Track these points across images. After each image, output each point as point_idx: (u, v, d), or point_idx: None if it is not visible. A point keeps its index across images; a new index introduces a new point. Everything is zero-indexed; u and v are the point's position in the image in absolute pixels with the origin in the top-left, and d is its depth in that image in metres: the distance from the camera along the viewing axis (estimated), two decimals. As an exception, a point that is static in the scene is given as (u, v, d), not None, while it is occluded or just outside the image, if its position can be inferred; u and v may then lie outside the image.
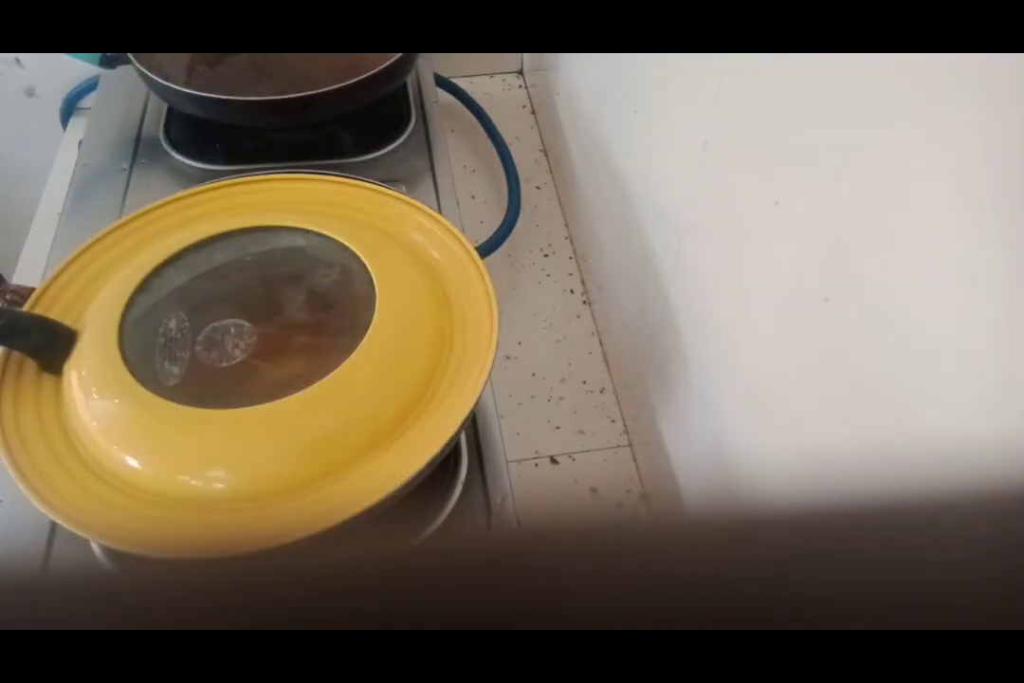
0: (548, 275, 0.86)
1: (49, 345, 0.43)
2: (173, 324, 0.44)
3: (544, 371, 0.79)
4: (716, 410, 0.54)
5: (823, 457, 0.39)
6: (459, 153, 0.94)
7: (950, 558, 0.12)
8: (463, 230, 0.50)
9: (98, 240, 0.50)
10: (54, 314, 0.45)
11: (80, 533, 0.37)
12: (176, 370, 0.42)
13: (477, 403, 0.41)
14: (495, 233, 0.77)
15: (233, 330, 0.44)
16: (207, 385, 0.42)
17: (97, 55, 0.68)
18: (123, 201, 0.67)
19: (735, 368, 0.50)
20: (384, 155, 0.71)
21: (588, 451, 0.74)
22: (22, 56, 0.84)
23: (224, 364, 0.43)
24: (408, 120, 0.75)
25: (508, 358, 0.79)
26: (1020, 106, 0.25)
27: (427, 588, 0.11)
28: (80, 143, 0.74)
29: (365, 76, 0.65)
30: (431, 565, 0.12)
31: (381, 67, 0.66)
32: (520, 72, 1.06)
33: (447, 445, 0.40)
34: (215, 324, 0.45)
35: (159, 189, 0.67)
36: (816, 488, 0.12)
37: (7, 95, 0.86)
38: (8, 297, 0.48)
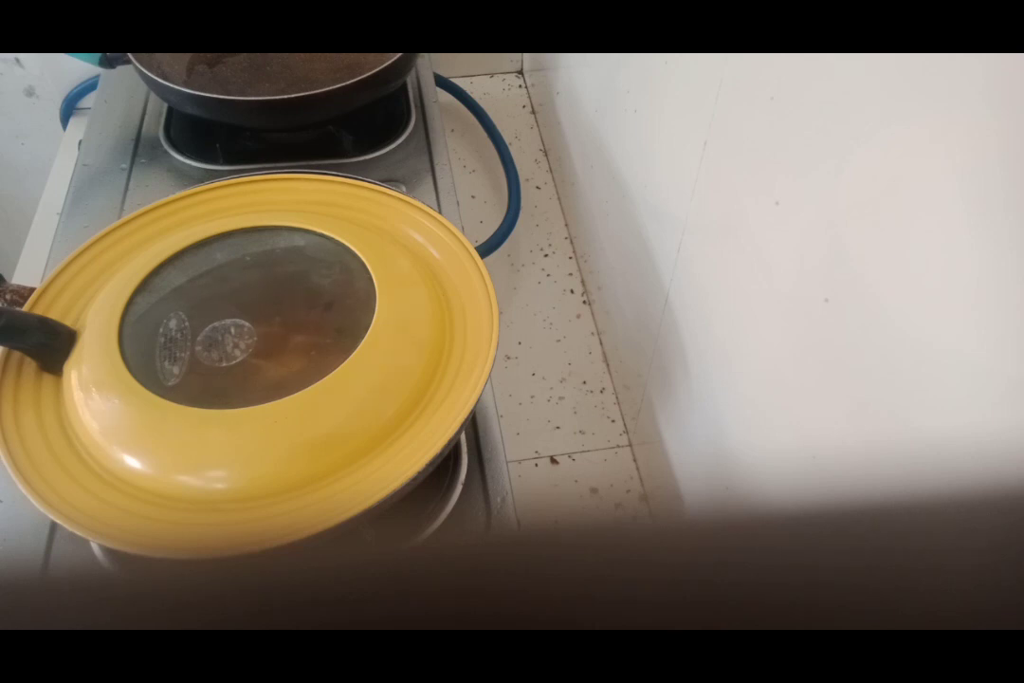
0: (548, 275, 0.86)
1: (49, 345, 0.43)
2: (173, 324, 0.44)
3: (544, 371, 0.79)
4: (716, 410, 0.54)
5: (823, 458, 0.39)
6: (459, 153, 0.94)
7: (950, 559, 0.12)
8: (463, 230, 0.50)
9: (98, 240, 0.50)
10: (54, 314, 0.45)
11: (80, 533, 0.37)
12: (176, 370, 0.42)
13: (477, 403, 0.41)
14: (495, 233, 0.77)
15: (233, 330, 0.44)
16: (207, 385, 0.42)
17: (97, 55, 0.68)
18: (123, 201, 0.67)
19: (735, 368, 0.50)
20: (384, 155, 0.71)
21: (588, 451, 0.74)
22: (22, 56, 0.84)
23: (224, 364, 0.43)
24: (408, 120, 0.75)
25: (508, 358, 0.79)
26: (1020, 106, 0.25)
27: (426, 589, 0.11)
28: (80, 143, 0.74)
29: (365, 76, 0.65)
30: (430, 566, 0.12)
31: (381, 67, 0.66)
32: (520, 72, 1.06)
33: (447, 445, 0.40)
34: (215, 324, 0.45)
35: (159, 189, 0.67)
36: (816, 489, 0.12)
37: (7, 95, 0.86)
38: (8, 297, 0.48)
